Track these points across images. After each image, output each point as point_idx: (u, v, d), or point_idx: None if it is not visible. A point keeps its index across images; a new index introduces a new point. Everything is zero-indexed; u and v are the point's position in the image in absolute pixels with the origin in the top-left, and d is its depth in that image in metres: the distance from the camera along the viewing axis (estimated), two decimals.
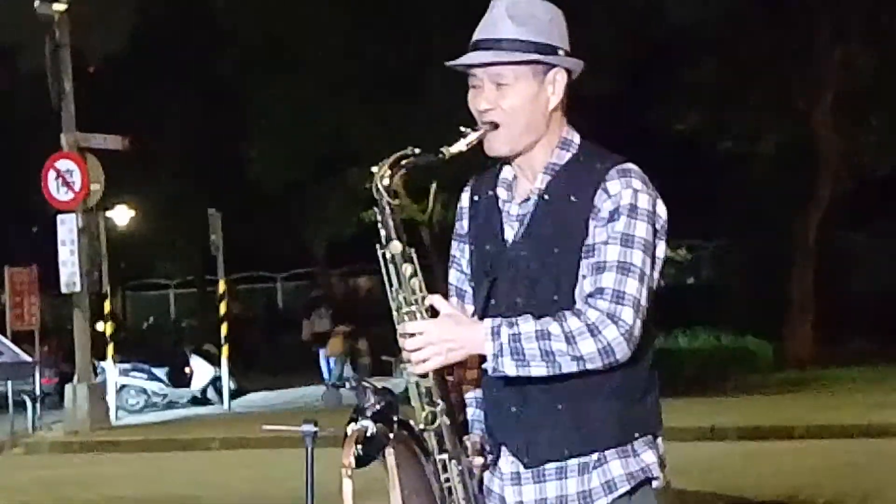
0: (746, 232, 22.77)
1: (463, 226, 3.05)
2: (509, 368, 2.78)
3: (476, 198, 3.02)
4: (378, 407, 2.79)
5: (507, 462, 2.92)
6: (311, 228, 27.36)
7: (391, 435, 2.78)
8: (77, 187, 16.93)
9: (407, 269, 2.83)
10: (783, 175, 20.61)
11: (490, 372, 2.82)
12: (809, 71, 19.28)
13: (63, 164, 17.05)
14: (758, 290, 16.31)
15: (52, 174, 17.03)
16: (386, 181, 2.83)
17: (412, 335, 2.80)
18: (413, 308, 2.83)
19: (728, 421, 13.56)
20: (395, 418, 2.79)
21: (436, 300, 2.83)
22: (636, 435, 2.87)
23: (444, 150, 2.88)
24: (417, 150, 2.88)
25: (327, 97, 21.53)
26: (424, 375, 2.82)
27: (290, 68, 22.05)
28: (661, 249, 2.87)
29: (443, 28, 19.18)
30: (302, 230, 27.57)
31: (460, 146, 2.88)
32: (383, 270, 2.86)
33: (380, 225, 2.86)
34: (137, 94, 25.84)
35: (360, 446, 2.75)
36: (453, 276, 3.06)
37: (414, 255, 2.86)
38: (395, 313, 2.85)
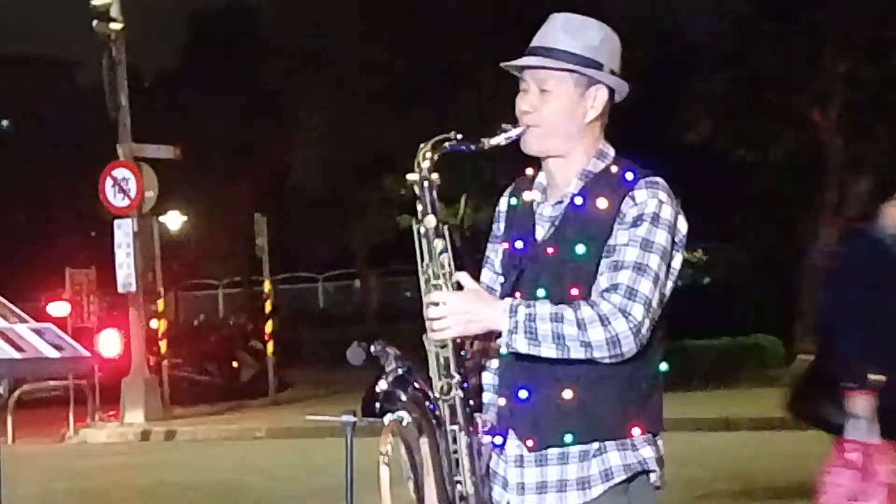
0: (759, 235, 22.69)
1: (500, 227, 3.05)
2: (521, 345, 2.78)
3: (514, 201, 3.03)
4: (399, 372, 2.82)
5: (513, 445, 2.91)
6: (350, 232, 27.45)
7: (407, 396, 2.80)
8: (133, 194, 17.03)
9: (438, 244, 2.83)
10: (793, 181, 20.53)
11: (503, 347, 2.82)
12: (817, 82, 19.21)
13: (119, 173, 17.16)
14: (769, 290, 16.25)
15: (109, 182, 17.13)
16: (427, 163, 2.86)
17: (436, 304, 2.81)
18: (440, 281, 2.83)
19: (742, 413, 13.52)
20: (413, 383, 2.81)
21: (462, 276, 2.83)
22: (637, 432, 2.84)
23: (484, 140, 2.91)
24: (459, 136, 2.89)
25: (363, 108, 21.62)
26: (444, 346, 2.82)
27: (329, 80, 22.15)
28: (678, 261, 2.88)
29: (471, 43, 19.22)
30: (341, 234, 27.65)
31: (499, 140, 2.91)
32: (416, 245, 2.85)
33: (418, 200, 2.85)
34: (188, 106, 26.01)
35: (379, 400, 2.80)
36: (485, 276, 3.06)
37: (446, 232, 2.86)
38: (422, 285, 2.85)
